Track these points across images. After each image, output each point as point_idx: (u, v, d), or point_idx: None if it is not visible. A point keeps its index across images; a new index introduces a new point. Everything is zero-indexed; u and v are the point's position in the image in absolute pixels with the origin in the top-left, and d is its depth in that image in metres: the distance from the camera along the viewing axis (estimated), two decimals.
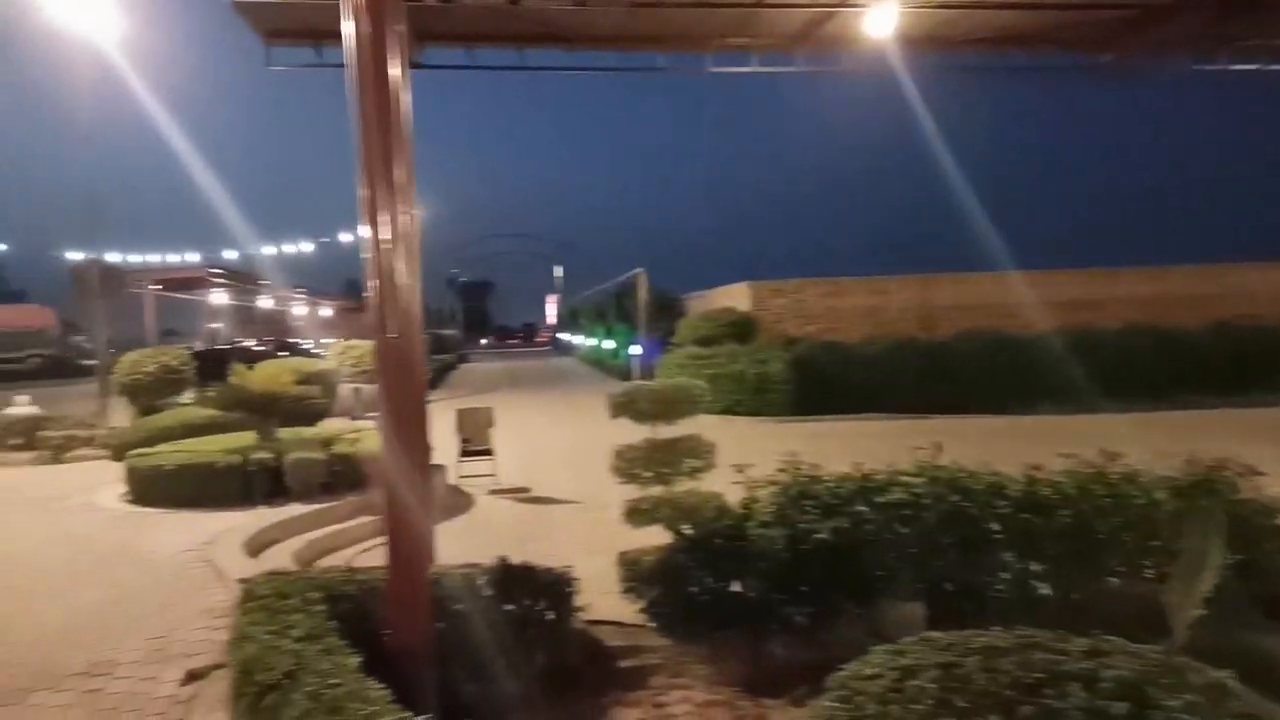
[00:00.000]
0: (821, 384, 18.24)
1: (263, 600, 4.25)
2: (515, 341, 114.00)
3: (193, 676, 4.78)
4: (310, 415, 13.43)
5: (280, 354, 31.18)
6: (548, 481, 11.70)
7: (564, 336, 65.76)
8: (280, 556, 7.64)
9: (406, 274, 4.04)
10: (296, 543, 8.28)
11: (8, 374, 24.38)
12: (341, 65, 7.61)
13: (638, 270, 27.01)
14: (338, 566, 4.97)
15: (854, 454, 6.42)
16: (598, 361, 39.82)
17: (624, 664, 5.02)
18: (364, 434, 11.62)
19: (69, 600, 6.28)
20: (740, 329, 20.15)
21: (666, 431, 5.56)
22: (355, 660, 3.49)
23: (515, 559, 4.98)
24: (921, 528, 5.17)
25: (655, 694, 4.67)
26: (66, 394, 25.16)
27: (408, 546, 4.12)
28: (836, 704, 2.37)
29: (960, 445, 5.49)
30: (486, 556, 5.40)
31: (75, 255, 33.13)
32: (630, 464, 5.37)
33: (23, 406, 16.45)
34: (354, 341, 24.33)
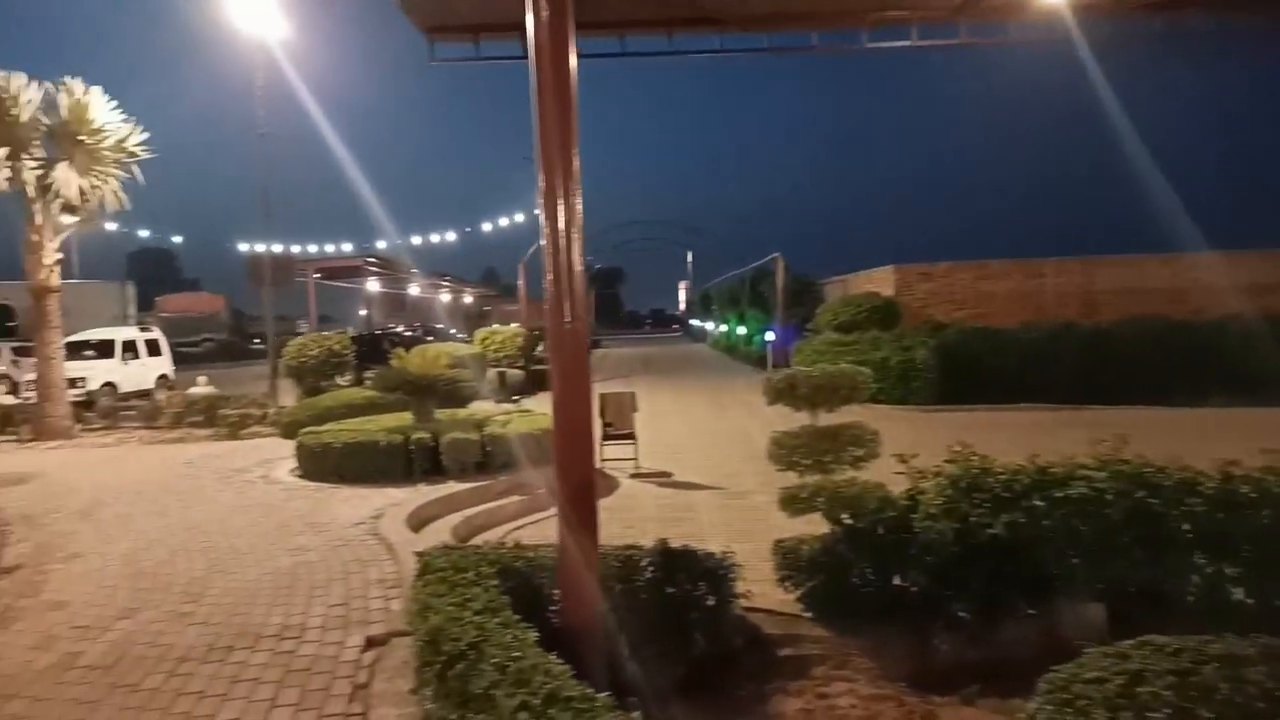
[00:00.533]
0: (970, 372, 17.49)
1: (440, 573, 4.44)
2: (646, 327, 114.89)
3: (372, 643, 5.06)
4: (462, 398, 13.96)
5: (427, 339, 32.61)
6: (686, 467, 11.74)
7: (695, 322, 65.76)
8: (440, 532, 7.99)
9: (579, 262, 4.11)
10: (455, 519, 8.64)
11: (183, 357, 26.54)
12: (500, 59, 7.84)
13: (774, 255, 26.68)
14: (504, 543, 5.13)
15: (1018, 446, 6.13)
16: (730, 348, 39.64)
17: (783, 653, 4.97)
18: (513, 417, 12.00)
19: (259, 565, 6.78)
20: (883, 314, 19.57)
21: (826, 419, 5.44)
22: (534, 635, 3.60)
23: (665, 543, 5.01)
24: (1104, 525, 4.87)
25: (817, 685, 4.60)
26: (236, 375, 27.26)
27: (578, 527, 4.21)
28: (1055, 707, 2.24)
29: (1133, 439, 5.13)
30: (634, 539, 5.47)
31: (244, 246, 35.62)
32: (789, 451, 5.28)
33: (202, 387, 17.90)
34: (496, 327, 25.15)
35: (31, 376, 17.67)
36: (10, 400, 17.60)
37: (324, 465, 10.41)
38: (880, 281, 22.47)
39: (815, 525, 5.69)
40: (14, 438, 15.81)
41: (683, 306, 73.36)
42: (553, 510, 9.17)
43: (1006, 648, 4.91)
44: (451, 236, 46.58)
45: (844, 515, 5.24)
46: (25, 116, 15.65)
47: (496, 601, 4.02)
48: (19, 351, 26.10)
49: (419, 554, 4.88)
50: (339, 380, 18.59)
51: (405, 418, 11.71)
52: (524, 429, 10.81)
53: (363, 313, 53.09)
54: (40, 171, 15.63)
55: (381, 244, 39.89)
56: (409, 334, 36.28)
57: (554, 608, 4.63)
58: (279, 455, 12.21)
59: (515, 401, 17.56)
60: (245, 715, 4.20)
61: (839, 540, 5.21)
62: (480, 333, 24.22)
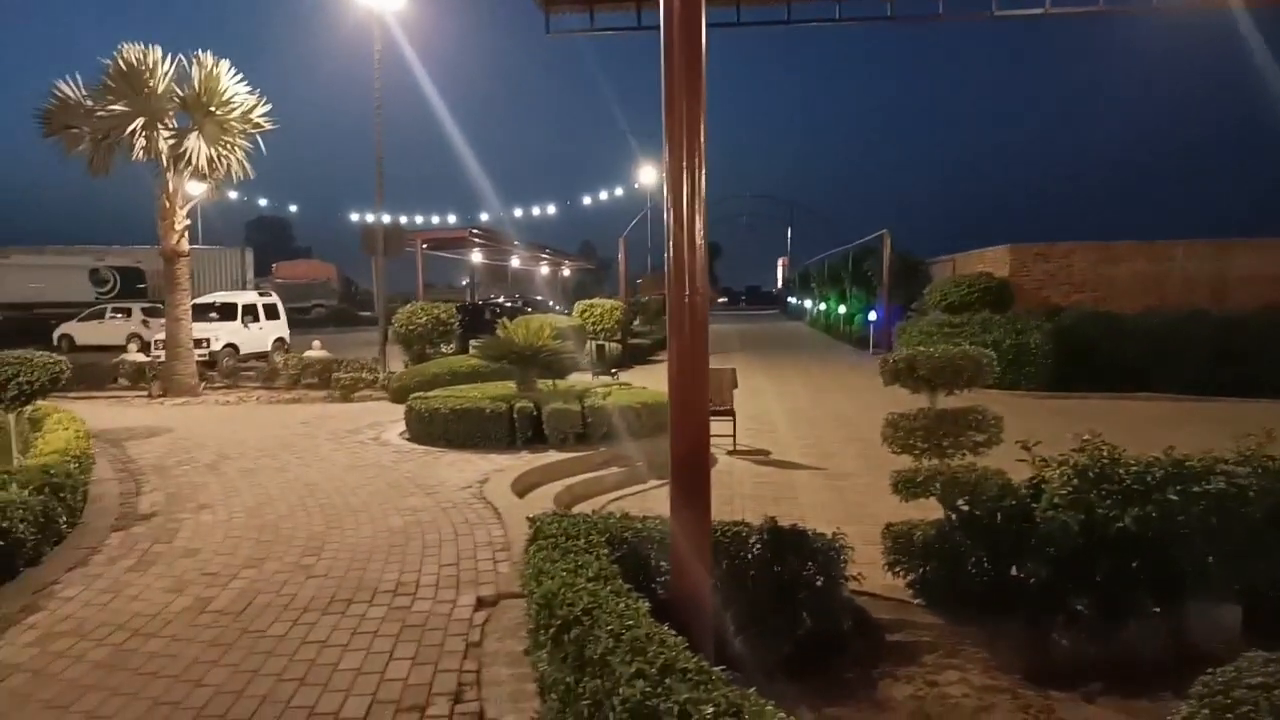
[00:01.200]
0: (1087, 358, 16.70)
1: (552, 539, 4.51)
2: (741, 305, 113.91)
3: (483, 604, 5.19)
4: (562, 369, 14.15)
5: (526, 310, 33.16)
6: (784, 446, 11.62)
7: (792, 300, 64.84)
8: (543, 498, 8.13)
9: (702, 237, 4.07)
10: (556, 486, 8.78)
11: (295, 322, 27.75)
12: (615, 30, 7.80)
13: (881, 231, 25.97)
14: (611, 513, 5.17)
15: (1139, 438, 5.81)
16: (829, 327, 38.95)
17: (892, 638, 4.87)
18: (613, 389, 12.09)
19: (373, 523, 7.05)
20: (995, 296, 18.82)
21: (945, 402, 5.27)
22: (646, 605, 3.61)
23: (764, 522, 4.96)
24: (1244, 523, 4.59)
25: (928, 673, 4.49)
26: (346, 341, 28.29)
27: (690, 502, 4.19)
28: (1212, 712, 2.11)
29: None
30: (733, 516, 5.43)
31: (355, 216, 36.81)
32: (905, 434, 5.14)
33: (316, 351, 18.66)
34: (595, 300, 25.33)
35: (160, 336, 18.77)
36: (141, 358, 18.74)
37: (432, 429, 10.72)
38: (993, 261, 21.61)
39: (924, 510, 5.54)
40: (145, 394, 16.84)
41: (780, 283, 72.29)
42: (651, 484, 9.29)
43: (1130, 646, 4.69)
44: (552, 210, 47.04)
45: (961, 501, 5.08)
46: (161, 88, 16.48)
47: (608, 570, 4.06)
48: (148, 312, 27.84)
49: (531, 519, 4.96)
50: (444, 348, 19.09)
51: (508, 386, 11.95)
52: (624, 402, 10.87)
53: (465, 283, 54.35)
54: (173, 141, 16.45)
55: (484, 216, 40.69)
56: (509, 305, 36.96)
57: (661, 579, 4.65)
58: (389, 418, 12.64)
59: (613, 374, 17.68)
60: (365, 665, 4.37)
61: (954, 527, 5.06)
62: (579, 305, 24.45)
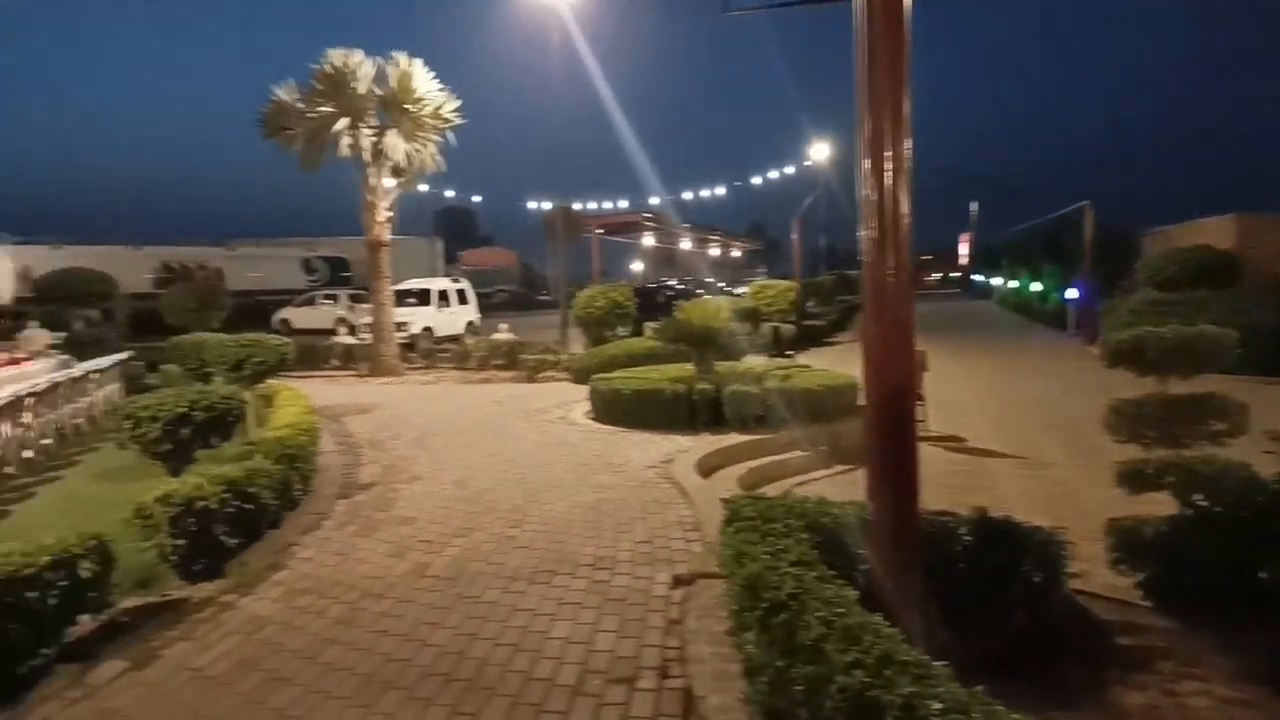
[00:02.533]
0: None
1: (749, 520, 4.50)
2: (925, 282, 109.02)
3: (679, 582, 5.27)
4: (738, 351, 14.10)
5: (697, 293, 33.28)
6: (979, 432, 11.05)
7: (978, 278, 61.45)
8: (727, 480, 8.14)
9: (907, 211, 3.90)
10: (739, 469, 8.77)
11: (481, 307, 29.19)
12: (798, 3, 7.57)
13: (1082, 203, 24.09)
14: (807, 497, 5.09)
15: None
16: (1021, 306, 36.60)
17: (1120, 641, 4.53)
18: (791, 371, 11.92)
19: (567, 499, 7.32)
20: (1216, 270, 17.04)
21: (1175, 388, 4.82)
22: (854, 593, 3.54)
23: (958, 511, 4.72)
24: None
25: (1164, 681, 4.15)
26: (527, 324, 29.46)
27: (895, 489, 4.06)
28: None
29: None
30: (929, 506, 5.18)
31: (532, 204, 38.13)
32: (1132, 421, 4.75)
33: (504, 334, 19.56)
34: (770, 282, 25.06)
35: (366, 320, 20.27)
36: (350, 341, 20.34)
37: (614, 410, 10.98)
38: (1215, 232, 19.53)
39: (1144, 505, 5.10)
40: (354, 373, 18.27)
41: (964, 260, 68.58)
42: (836, 469, 9.07)
43: None
44: (720, 191, 46.86)
45: (1198, 496, 4.64)
46: (362, 89, 17.72)
47: (809, 555, 4.00)
48: (354, 298, 30.10)
49: (726, 501, 4.98)
50: (620, 331, 19.51)
51: (686, 368, 12.03)
52: (805, 384, 10.70)
53: (636, 267, 55.22)
54: (374, 138, 17.66)
55: (654, 200, 41.14)
56: (680, 288, 37.23)
57: (862, 567, 4.54)
58: (573, 398, 13.07)
59: (789, 356, 17.45)
60: (574, 635, 4.55)
61: (1190, 524, 4.63)
62: (753, 286, 24.29)
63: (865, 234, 4.01)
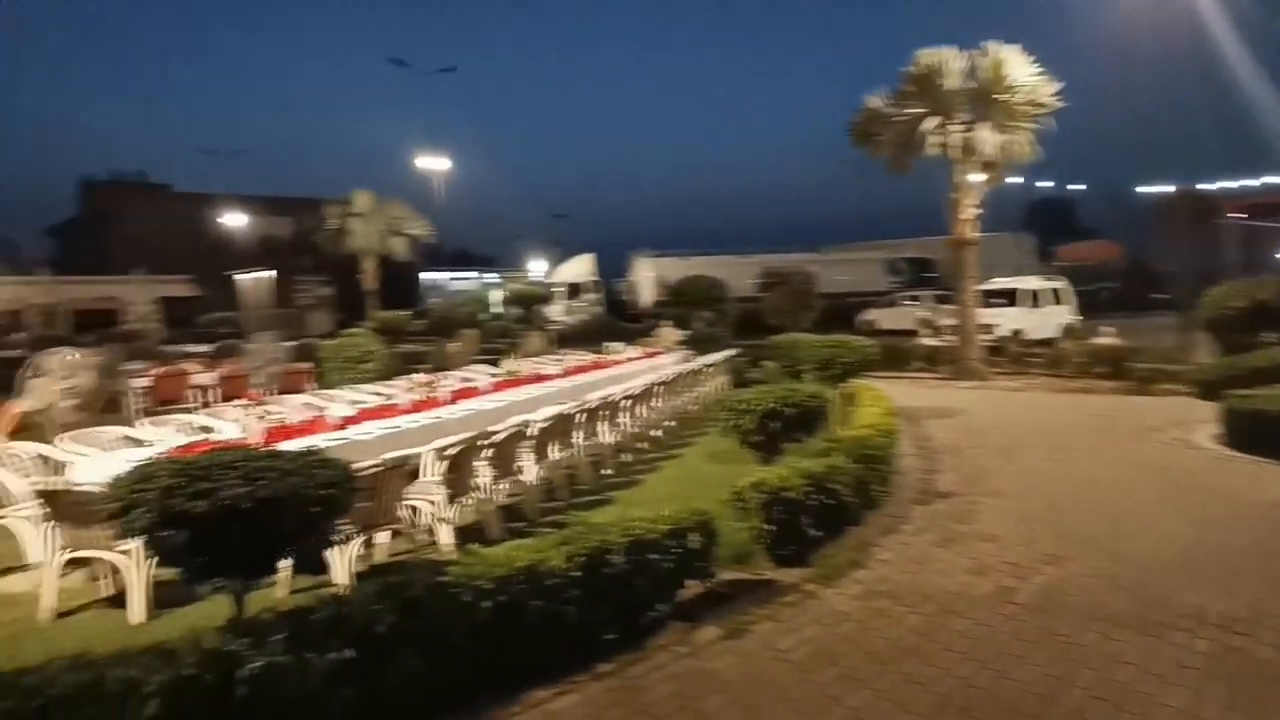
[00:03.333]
0: None
1: None
2: None
3: None
4: None
5: None
6: None
7: None
8: None
9: None
10: None
11: (1081, 307, 26.29)
12: None
13: None
14: None
15: None
16: None
17: None
18: None
19: (1187, 538, 6.14)
20: None
21: None
22: None
23: None
24: None
25: None
26: (1136, 327, 25.76)
27: None
28: None
29: None
30: None
31: (1147, 189, 33.26)
32: None
33: (1108, 338, 17.37)
34: None
35: (949, 322, 19.84)
36: (933, 342, 20.13)
37: (1258, 435, 8.89)
38: None
39: None
40: (936, 376, 18.02)
41: None
42: None
43: None
44: None
45: None
46: (952, 85, 17.32)
47: None
48: (938, 299, 29.85)
49: None
50: (1268, 336, 15.82)
51: None
52: None
53: None
54: (964, 134, 17.15)
55: None
56: None
57: None
58: (1196, 417, 10.97)
59: None
60: (1192, 709, 3.72)
61: None
62: None
63: None
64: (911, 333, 22.92)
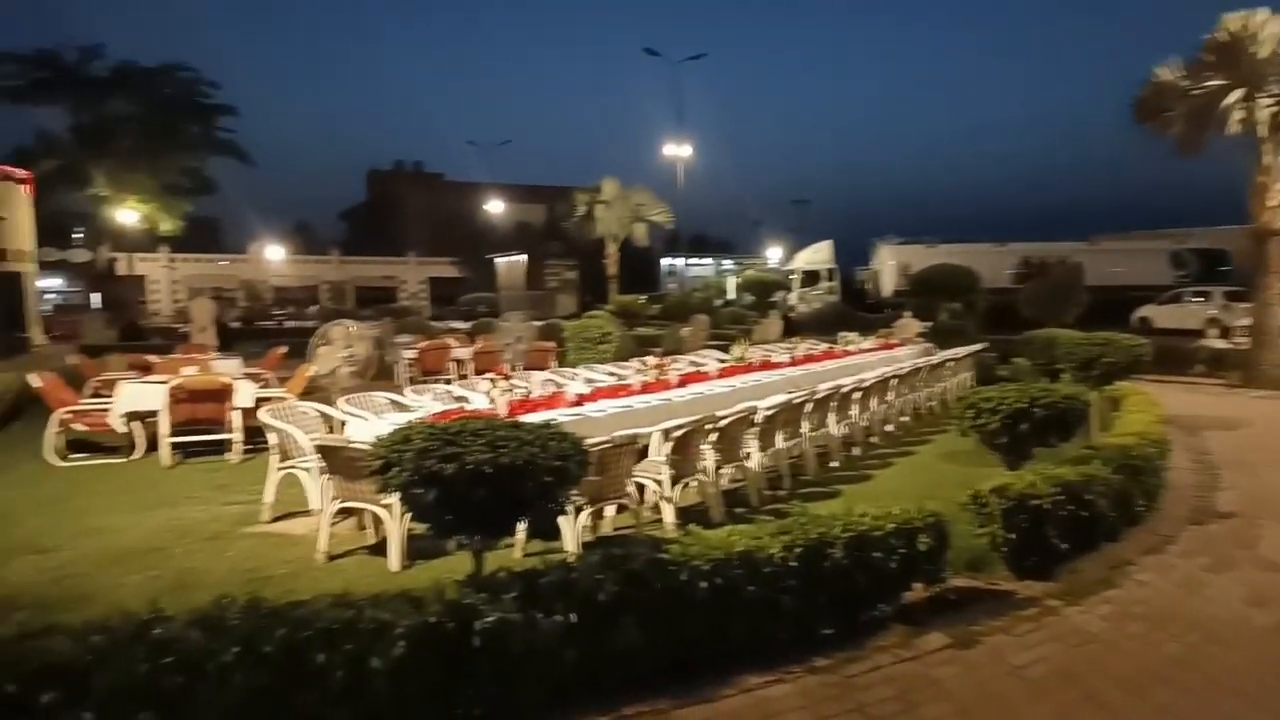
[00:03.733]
0: None
1: None
2: None
3: None
4: None
5: None
6: None
7: None
8: None
9: None
10: None
11: None
12: None
13: None
14: None
15: None
16: None
17: None
18: None
19: None
20: None
21: None
22: None
23: None
24: None
25: None
26: None
27: None
28: None
29: None
30: None
31: None
32: None
33: None
34: None
35: (1243, 322, 17.39)
36: (1220, 345, 17.75)
37: None
38: None
39: None
40: (1221, 382, 15.90)
41: None
42: None
43: None
44: None
45: None
46: (1264, 53, 15.06)
47: None
48: (1230, 296, 26.28)
49: None
50: None
51: None
52: None
53: None
54: (1275, 109, 14.89)
55: None
56: None
57: None
58: None
59: None
60: None
61: None
62: None
63: None
64: (1194, 333, 20.40)
